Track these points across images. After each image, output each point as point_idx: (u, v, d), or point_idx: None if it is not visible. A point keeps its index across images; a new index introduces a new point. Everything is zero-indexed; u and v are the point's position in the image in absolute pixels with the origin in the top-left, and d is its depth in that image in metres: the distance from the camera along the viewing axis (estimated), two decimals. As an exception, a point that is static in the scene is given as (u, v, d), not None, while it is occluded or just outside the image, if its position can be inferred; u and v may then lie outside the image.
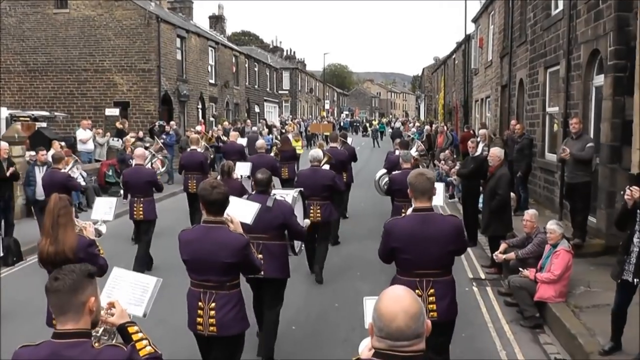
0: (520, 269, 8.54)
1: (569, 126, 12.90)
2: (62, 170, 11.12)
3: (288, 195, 7.60)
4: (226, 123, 30.22)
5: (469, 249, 12.15)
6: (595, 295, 8.54)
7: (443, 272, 5.22)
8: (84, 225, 5.63)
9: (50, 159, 16.08)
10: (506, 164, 10.66)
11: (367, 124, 69.09)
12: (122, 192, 11.41)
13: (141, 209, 10.50)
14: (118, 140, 21.93)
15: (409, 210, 5.38)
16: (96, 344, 3.01)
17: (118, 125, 23.91)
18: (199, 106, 35.26)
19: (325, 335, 7.95)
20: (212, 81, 37.86)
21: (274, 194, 7.03)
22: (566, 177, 11.02)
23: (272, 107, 57.43)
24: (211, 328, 5.08)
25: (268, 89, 55.57)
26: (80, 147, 21.50)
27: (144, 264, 10.26)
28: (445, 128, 31.15)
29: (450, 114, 46.37)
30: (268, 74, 55.96)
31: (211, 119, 36.43)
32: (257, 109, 50.04)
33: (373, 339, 2.51)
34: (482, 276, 10.61)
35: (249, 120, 34.36)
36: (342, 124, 62.74)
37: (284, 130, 34.63)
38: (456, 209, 16.23)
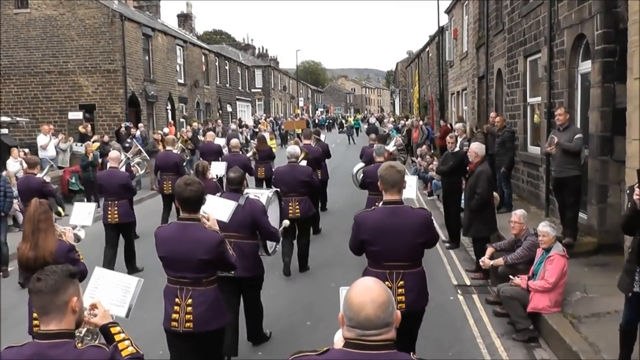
0: (511, 276, 7.74)
1: (553, 117, 12.23)
2: (37, 176, 10.94)
3: (263, 195, 7.57)
4: (195, 124, 29.18)
5: (452, 253, 11.62)
6: (593, 302, 7.75)
7: (412, 265, 5.24)
8: (63, 230, 5.65)
9: (9, 169, 15.78)
10: (486, 160, 9.89)
11: (343, 120, 68.23)
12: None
13: (116, 212, 10.35)
14: (81, 146, 20.84)
15: (380, 204, 5.36)
16: (79, 345, 3.03)
17: (81, 129, 22.81)
18: (168, 107, 34.29)
19: (304, 327, 8.06)
20: (181, 81, 36.86)
21: (247, 193, 7.02)
22: (553, 171, 10.26)
23: (245, 106, 56.47)
24: (187, 324, 5.08)
25: (240, 88, 54.60)
26: (41, 153, 20.38)
27: (133, 267, 10.40)
28: (420, 122, 30.56)
29: (425, 107, 45.77)
30: (240, 72, 54.96)
31: (181, 119, 35.46)
32: (229, 109, 49.07)
33: (343, 328, 2.54)
34: (468, 282, 9.80)
35: (219, 120, 33.37)
36: (317, 121, 61.91)
37: (257, 130, 33.87)
38: (436, 207, 15.50)
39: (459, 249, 11.85)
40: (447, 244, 12.05)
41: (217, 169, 12.90)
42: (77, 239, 6.42)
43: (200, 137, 23.35)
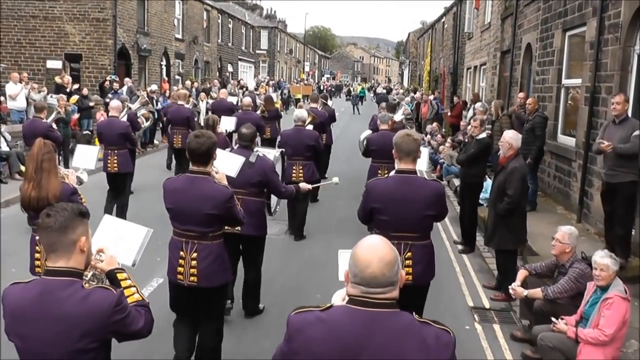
0: (553, 319, 5.76)
1: (597, 104, 10.18)
2: (44, 120, 10.91)
3: (270, 154, 7.36)
4: (192, 82, 27.07)
5: (465, 259, 9.69)
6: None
7: (421, 236, 5.17)
8: (66, 173, 5.60)
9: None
10: (520, 154, 7.87)
11: (351, 88, 65.65)
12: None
13: (115, 161, 10.43)
14: (52, 97, 18.70)
15: (392, 172, 5.25)
16: (86, 285, 3.01)
17: (57, 79, 20.58)
18: (162, 62, 32.03)
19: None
20: (179, 36, 34.60)
21: (257, 151, 6.86)
22: (604, 174, 8.22)
23: (248, 67, 54.18)
24: (192, 278, 5.06)
25: (243, 48, 52.26)
26: (9, 104, 18.42)
27: (123, 212, 10.40)
28: (429, 97, 28.45)
29: (436, 81, 43.48)
30: (244, 31, 52.59)
31: (177, 77, 33.31)
32: (230, 69, 46.82)
33: (348, 285, 2.54)
34: (486, 304, 7.84)
35: (215, 80, 31.19)
36: (322, 87, 59.41)
37: (257, 93, 31.89)
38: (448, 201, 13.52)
39: (473, 254, 9.91)
40: (460, 247, 10.10)
41: (227, 123, 12.72)
42: (80, 181, 6.39)
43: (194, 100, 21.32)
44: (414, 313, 2.53)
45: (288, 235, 10.47)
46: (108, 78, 23.29)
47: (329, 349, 2.45)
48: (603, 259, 5.58)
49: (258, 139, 14.52)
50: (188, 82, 27.01)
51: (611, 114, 8.13)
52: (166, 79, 30.86)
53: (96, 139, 18.52)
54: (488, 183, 11.99)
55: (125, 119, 11.87)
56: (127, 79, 23.34)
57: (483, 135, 9.82)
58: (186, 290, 5.16)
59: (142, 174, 12.25)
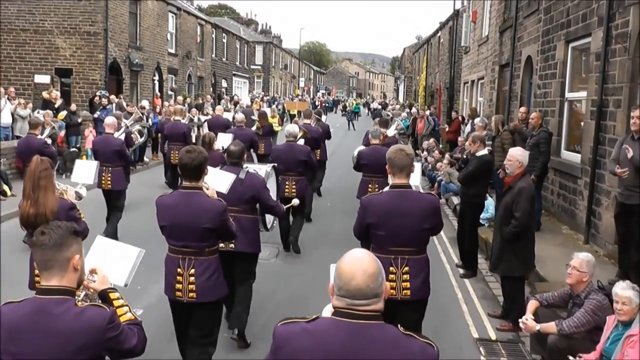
0: (571, 357, 5.18)
1: (605, 118, 9.67)
2: (39, 137, 10.93)
3: (261, 169, 7.43)
4: (182, 98, 26.57)
5: (467, 284, 9.09)
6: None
7: (418, 250, 5.17)
8: (65, 188, 5.65)
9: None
10: (527, 173, 7.33)
11: (346, 103, 65.15)
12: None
13: (109, 178, 10.46)
14: (39, 113, 18.11)
15: (386, 188, 5.30)
16: (79, 303, 3.01)
17: (45, 95, 20.07)
18: (155, 77, 31.55)
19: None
20: (172, 51, 34.20)
21: (247, 167, 6.85)
22: (619, 194, 7.65)
23: (242, 82, 53.75)
24: (191, 294, 5.07)
25: (238, 63, 51.86)
26: (-6, 120, 17.82)
27: (114, 231, 10.26)
28: (426, 112, 27.94)
29: (432, 96, 43.09)
30: (238, 46, 52.20)
31: (170, 92, 32.80)
32: (224, 84, 46.36)
33: (333, 298, 2.54)
34: (493, 335, 7.23)
35: (208, 96, 30.71)
36: (317, 103, 58.87)
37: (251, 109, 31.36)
38: (443, 213, 12.96)
39: (475, 279, 9.33)
40: (461, 271, 9.53)
41: (224, 140, 12.40)
42: (79, 197, 6.43)
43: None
44: (399, 326, 2.53)
45: (279, 259, 10.09)
46: (98, 93, 22.83)
47: (314, 359, 2.46)
48: (625, 291, 5.03)
49: (254, 155, 14.83)
50: (180, 98, 26.42)
51: (631, 128, 7.54)
52: (159, 94, 30.30)
53: (83, 157, 18.17)
54: (489, 202, 11.48)
55: (122, 136, 11.93)
56: (113, 97, 22.79)
57: (484, 151, 9.31)
58: (185, 307, 5.18)
59: (134, 192, 11.95)
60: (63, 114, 19.04)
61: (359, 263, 2.50)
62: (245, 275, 6.73)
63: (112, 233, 10.01)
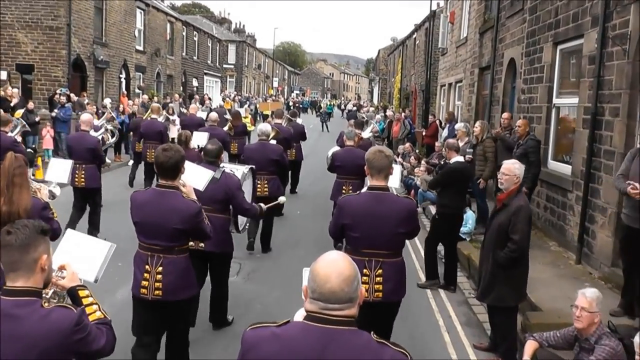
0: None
1: (599, 127, 8.90)
2: (9, 134, 10.41)
3: (238, 170, 7.32)
4: (145, 97, 25.49)
5: (450, 310, 8.26)
6: None
7: (392, 254, 5.12)
8: (38, 187, 5.58)
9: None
10: (522, 189, 6.51)
11: (321, 104, 64.22)
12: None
13: (82, 175, 10.28)
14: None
15: (364, 189, 5.31)
16: (46, 304, 2.92)
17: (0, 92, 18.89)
18: (121, 75, 30.33)
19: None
20: (140, 48, 33.01)
21: (223, 167, 6.81)
22: (625, 215, 6.82)
23: (214, 81, 52.64)
24: (156, 292, 4.99)
25: (210, 62, 50.73)
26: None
27: (96, 229, 10.38)
28: (401, 115, 27.17)
29: (407, 99, 42.39)
30: (210, 45, 51.06)
31: (137, 90, 31.61)
32: (195, 83, 45.23)
33: (306, 301, 2.47)
34: (478, 369, 6.43)
35: (176, 95, 29.62)
36: (290, 103, 57.88)
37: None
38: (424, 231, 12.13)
39: (458, 302, 8.49)
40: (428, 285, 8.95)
41: (199, 139, 12.24)
42: (52, 195, 6.36)
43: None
44: (372, 333, 2.44)
45: (251, 263, 9.80)
46: (58, 91, 21.65)
47: None
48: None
49: (225, 155, 14.49)
50: (145, 96, 25.35)
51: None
52: (125, 92, 29.14)
53: (39, 158, 17.09)
54: (469, 215, 10.65)
55: (100, 135, 12.11)
56: (72, 95, 21.69)
57: (457, 158, 8.76)
58: (150, 305, 5.06)
59: (104, 192, 11.32)
60: (19, 112, 17.82)
61: (334, 265, 2.42)
62: (217, 274, 6.78)
63: (94, 228, 10.34)
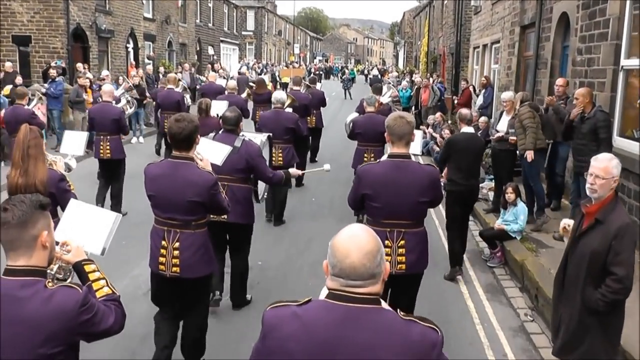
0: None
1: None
2: (26, 107, 10.91)
3: (256, 138, 7.05)
4: (150, 68, 23.64)
5: (490, 314, 6.31)
6: None
7: (415, 224, 4.93)
8: (54, 159, 5.48)
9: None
10: (618, 197, 4.46)
11: (346, 70, 61.86)
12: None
13: (108, 147, 10.22)
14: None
15: (384, 157, 5.14)
16: (49, 284, 2.77)
17: (-14, 66, 17.16)
18: (129, 45, 28.40)
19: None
20: (149, 15, 30.99)
21: (243, 135, 6.52)
22: None
23: (231, 49, 50.59)
24: (174, 269, 4.89)
25: (226, 29, 48.60)
26: None
27: (119, 202, 10.30)
28: (429, 81, 24.91)
29: (435, 63, 39.96)
30: (227, 11, 48.86)
31: (147, 60, 29.70)
32: (210, 51, 43.17)
33: (328, 278, 2.37)
34: None
35: (186, 65, 27.60)
36: (313, 70, 55.60)
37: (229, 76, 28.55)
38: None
39: (512, 328, 6.51)
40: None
41: (219, 107, 11.95)
42: (68, 168, 6.29)
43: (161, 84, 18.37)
44: (398, 310, 2.34)
45: (273, 230, 9.90)
46: (52, 63, 19.85)
47: (304, 347, 2.26)
48: None
49: (250, 123, 14.66)
50: (150, 67, 23.47)
51: None
52: (133, 63, 27.30)
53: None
54: (520, 208, 8.59)
55: (121, 105, 12.03)
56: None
57: (466, 129, 7.99)
58: (168, 281, 4.95)
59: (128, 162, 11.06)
60: (7, 88, 16.15)
61: (354, 240, 2.29)
62: (239, 246, 6.64)
63: (117, 199, 10.29)
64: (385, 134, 4.87)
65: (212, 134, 6.43)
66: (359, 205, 5.11)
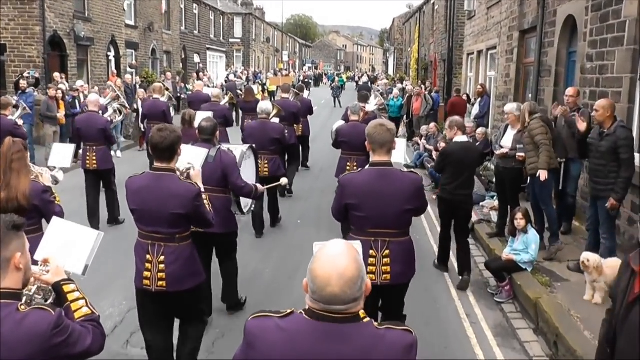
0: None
1: None
2: (9, 117, 10.71)
3: (237, 149, 7.02)
4: (129, 78, 22.62)
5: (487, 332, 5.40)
6: None
7: (400, 233, 4.83)
8: (40, 171, 5.41)
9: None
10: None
11: (335, 77, 60.96)
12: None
13: (94, 157, 10.04)
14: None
15: (367, 166, 4.97)
16: (22, 307, 2.71)
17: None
18: (110, 53, 27.33)
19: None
20: (131, 22, 29.94)
21: (219, 146, 6.52)
22: None
23: (218, 57, 49.50)
24: (160, 283, 4.76)
25: (213, 36, 47.54)
26: None
27: (114, 210, 10.28)
28: (422, 89, 23.98)
29: (426, 70, 39.07)
30: (213, 18, 47.79)
31: (129, 69, 28.65)
32: (196, 59, 42.10)
33: (307, 297, 2.33)
34: None
35: (168, 73, 26.60)
36: (301, 77, 54.66)
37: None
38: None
39: (512, 349, 5.59)
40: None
41: (203, 118, 10.85)
42: (55, 180, 6.25)
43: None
44: (372, 321, 2.33)
45: (262, 237, 9.87)
46: (25, 74, 18.83)
47: (289, 358, 2.28)
48: None
49: (236, 131, 14.59)
50: (129, 77, 22.46)
51: None
52: (115, 72, 26.23)
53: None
54: (531, 236, 7.61)
55: (108, 116, 11.97)
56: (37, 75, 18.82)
57: (460, 138, 7.68)
58: (154, 297, 4.81)
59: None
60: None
61: (334, 265, 2.23)
62: (225, 254, 6.64)
63: (112, 211, 10.21)
64: (366, 142, 4.79)
65: (189, 145, 6.17)
66: (343, 216, 5.00)
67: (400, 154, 8.24)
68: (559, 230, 8.66)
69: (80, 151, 10.55)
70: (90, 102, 10.62)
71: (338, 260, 2.24)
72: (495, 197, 10.90)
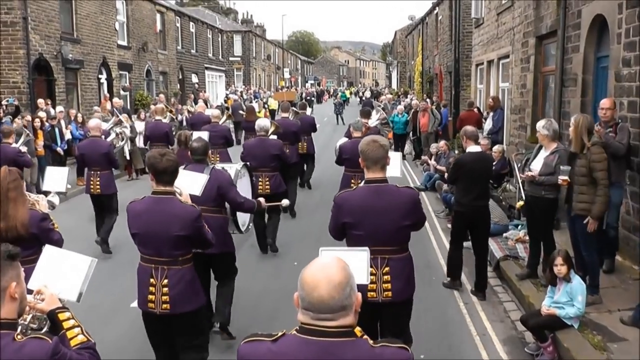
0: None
1: None
2: (13, 145, 10.84)
3: (231, 168, 7.21)
4: (119, 102, 21.41)
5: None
6: None
7: (399, 249, 4.81)
8: (36, 199, 5.40)
9: None
10: None
11: (339, 92, 60.00)
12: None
13: (98, 182, 10.14)
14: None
15: (362, 183, 5.03)
16: (19, 337, 2.71)
17: None
18: (101, 76, 26.17)
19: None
20: (124, 43, 28.79)
21: (213, 164, 6.71)
22: None
23: (217, 76, 48.34)
24: (164, 306, 4.82)
25: (211, 55, 46.45)
26: None
27: (105, 241, 10.13)
28: (428, 103, 22.69)
29: (430, 83, 37.81)
30: (211, 36, 46.72)
31: (122, 92, 27.51)
32: (194, 79, 40.96)
33: (299, 311, 2.37)
34: None
35: (161, 95, 25.45)
36: (304, 95, 53.57)
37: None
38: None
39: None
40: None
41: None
42: (52, 206, 6.20)
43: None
44: (367, 339, 2.33)
45: (263, 256, 9.89)
46: (4, 102, 17.64)
47: None
48: None
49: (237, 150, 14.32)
50: (116, 99, 21.28)
51: None
52: (107, 95, 24.98)
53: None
54: (576, 286, 6.22)
55: (110, 139, 12.31)
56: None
57: (473, 148, 7.66)
58: (159, 319, 4.88)
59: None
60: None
61: (323, 272, 2.29)
62: (223, 274, 6.59)
63: (105, 234, 10.05)
64: (360, 160, 4.78)
65: (182, 167, 5.89)
66: (340, 235, 4.96)
67: (396, 169, 8.07)
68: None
69: (85, 175, 10.67)
70: (91, 128, 10.66)
71: (327, 267, 2.29)
72: (520, 227, 9.55)
